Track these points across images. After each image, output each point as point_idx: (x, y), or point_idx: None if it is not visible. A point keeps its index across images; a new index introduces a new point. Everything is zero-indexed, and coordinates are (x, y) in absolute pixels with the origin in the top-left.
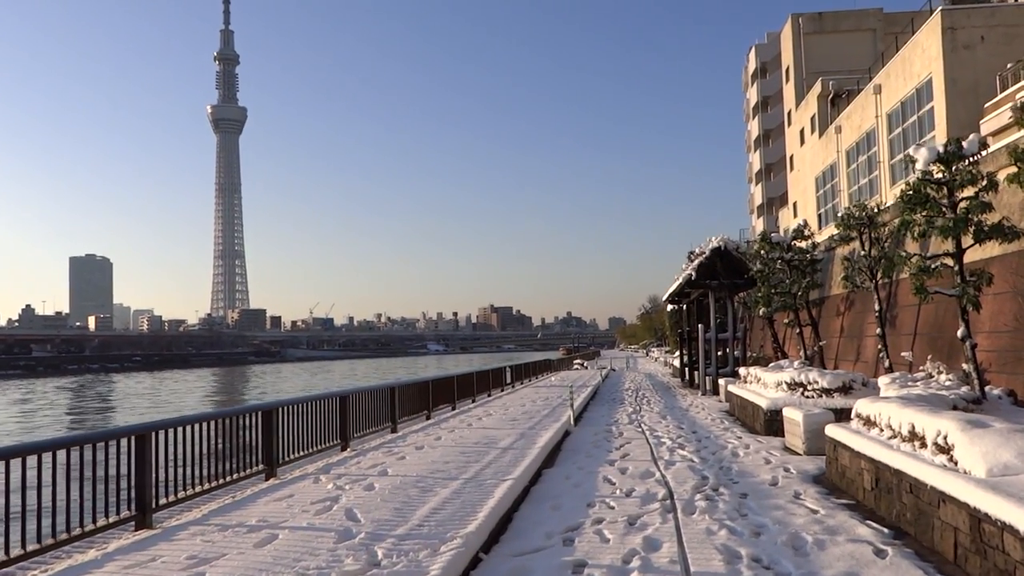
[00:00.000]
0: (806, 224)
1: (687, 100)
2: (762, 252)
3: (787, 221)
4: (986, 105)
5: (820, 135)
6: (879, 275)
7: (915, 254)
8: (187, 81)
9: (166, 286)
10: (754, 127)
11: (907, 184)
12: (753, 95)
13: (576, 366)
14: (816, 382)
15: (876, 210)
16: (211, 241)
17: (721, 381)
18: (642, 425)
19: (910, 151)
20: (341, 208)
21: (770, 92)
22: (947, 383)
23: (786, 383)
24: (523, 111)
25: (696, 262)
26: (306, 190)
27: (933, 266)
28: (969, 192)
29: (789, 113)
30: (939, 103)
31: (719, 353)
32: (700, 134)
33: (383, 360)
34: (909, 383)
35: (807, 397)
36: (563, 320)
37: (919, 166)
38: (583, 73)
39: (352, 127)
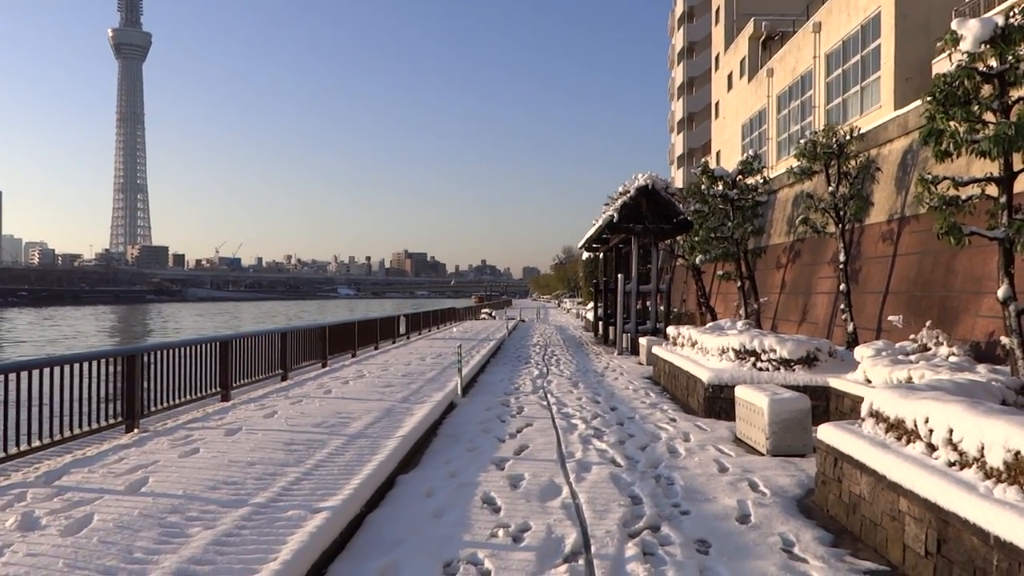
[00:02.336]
0: (756, 156)
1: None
2: (702, 188)
3: None
4: (938, 43)
5: (750, 79)
6: (847, 217)
7: (945, 177)
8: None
9: (62, 219)
10: (679, 74)
11: (939, 78)
12: (679, 40)
13: (484, 316)
14: (773, 350)
15: (848, 137)
16: (111, 173)
17: (642, 340)
18: (549, 396)
19: (953, 25)
20: (253, 146)
21: (697, 37)
22: (952, 359)
23: (734, 350)
24: (440, 51)
25: (619, 201)
26: (215, 126)
27: (966, 197)
28: None
29: (717, 57)
30: (887, 40)
31: (638, 307)
32: (621, 83)
33: (291, 303)
34: (900, 357)
35: (761, 370)
36: (477, 268)
37: (966, 46)
38: (505, 6)
39: (266, 64)
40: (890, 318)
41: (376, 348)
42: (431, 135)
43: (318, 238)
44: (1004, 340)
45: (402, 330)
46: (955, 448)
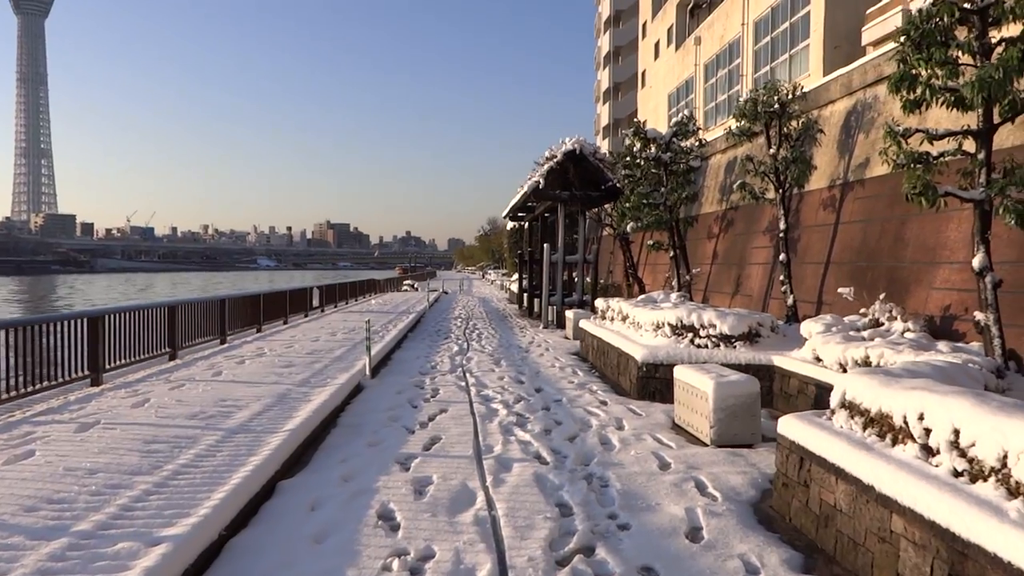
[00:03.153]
0: (691, 118)
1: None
2: (634, 150)
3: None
4: (868, 11)
5: (677, 48)
6: (788, 182)
7: (917, 130)
8: None
9: None
10: (605, 42)
11: (916, 13)
12: (606, 8)
13: (405, 288)
14: (713, 325)
15: (791, 95)
16: (11, 137)
17: (569, 314)
18: (468, 376)
19: None
20: (167, 111)
21: (624, 5)
22: (908, 335)
23: (670, 325)
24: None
25: (546, 167)
26: (126, 89)
27: (937, 154)
28: (1014, 29)
29: (644, 25)
30: (816, 7)
31: (564, 278)
32: (549, 53)
33: (208, 274)
34: (851, 333)
35: (699, 347)
36: (402, 239)
37: None
38: None
39: (182, 22)
40: (840, 290)
41: (285, 322)
42: (353, 107)
43: (237, 208)
44: (978, 316)
45: (316, 303)
46: (963, 454)
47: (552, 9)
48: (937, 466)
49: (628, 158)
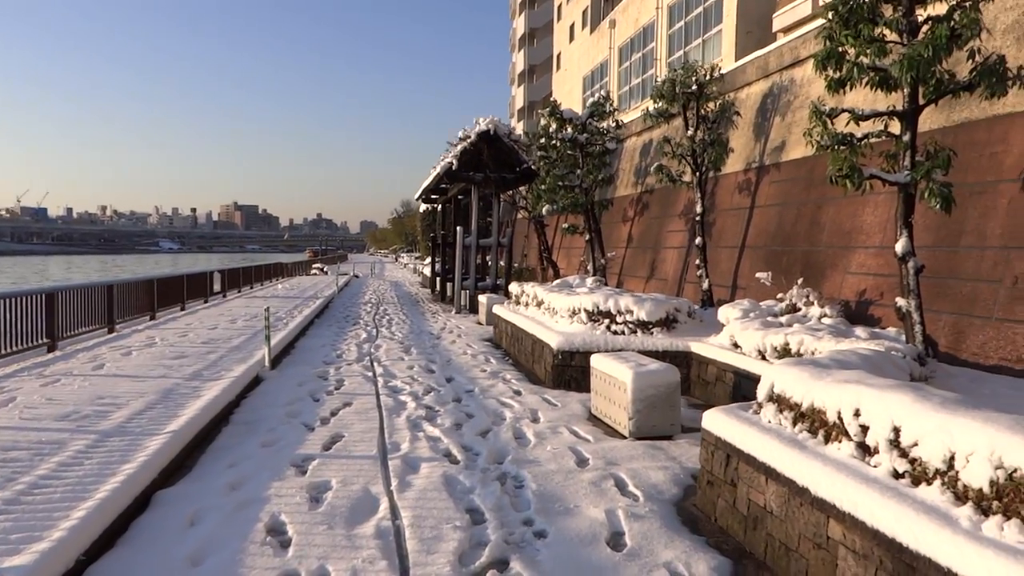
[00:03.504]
0: (608, 98)
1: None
2: (550, 131)
3: None
4: None
5: (592, 30)
6: (705, 165)
7: (844, 110)
8: None
9: None
10: (520, 24)
11: None
12: None
13: (315, 271)
14: (630, 311)
15: (708, 77)
16: None
17: (482, 298)
18: (376, 365)
19: None
20: (60, 84)
21: None
22: (826, 321)
23: (586, 311)
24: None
25: (459, 147)
26: (17, 57)
27: (861, 136)
28: (939, 8)
29: (559, 7)
30: None
31: (477, 262)
32: (463, 33)
33: (107, 257)
34: (769, 318)
35: (616, 333)
36: (313, 222)
37: None
38: None
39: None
40: (758, 275)
41: (182, 309)
42: (263, 86)
43: (137, 189)
44: (900, 302)
45: (217, 287)
46: (904, 454)
47: None
48: (876, 467)
49: (544, 139)
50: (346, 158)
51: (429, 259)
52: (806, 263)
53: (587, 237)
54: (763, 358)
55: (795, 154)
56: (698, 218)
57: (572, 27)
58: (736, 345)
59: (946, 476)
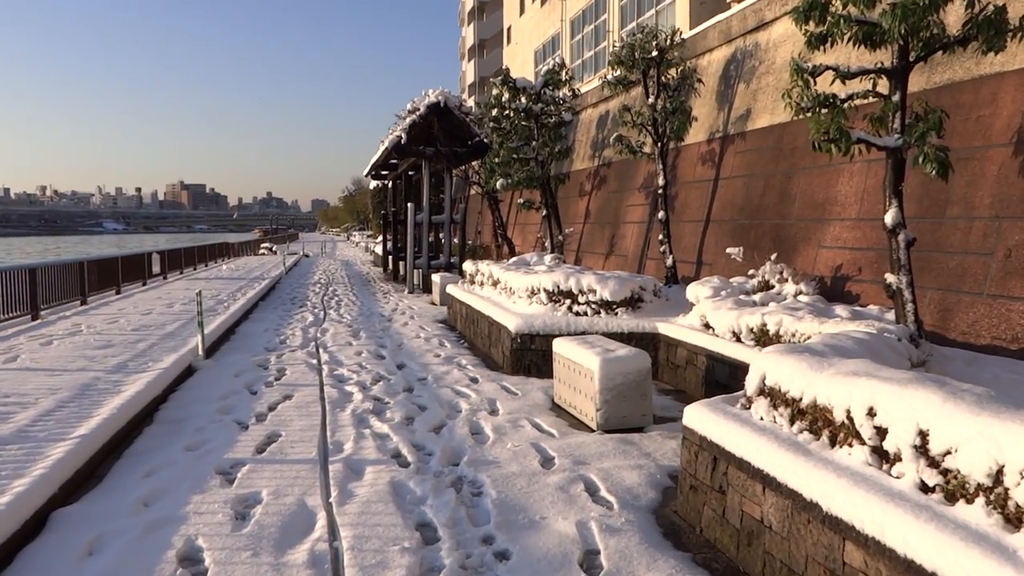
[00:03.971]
0: (563, 65)
1: None
2: (502, 101)
3: None
4: None
5: (543, 3)
6: (667, 134)
7: (827, 67)
8: None
9: None
10: None
11: None
12: None
13: (263, 251)
14: (593, 290)
15: (669, 42)
16: None
17: (435, 278)
18: (322, 352)
19: None
20: None
21: None
22: (802, 298)
23: (545, 291)
24: None
25: (408, 121)
26: None
27: (846, 97)
28: None
29: None
30: None
31: (430, 240)
32: (411, 8)
33: (48, 239)
34: (742, 297)
35: (578, 314)
36: (263, 200)
37: None
38: None
39: None
40: (729, 250)
41: (118, 292)
42: (207, 64)
43: (79, 168)
44: (889, 278)
45: (157, 269)
46: (933, 464)
47: None
48: (898, 477)
49: (496, 109)
50: (296, 136)
51: (381, 238)
52: (776, 237)
53: (543, 213)
54: (738, 340)
55: (761, 122)
56: (660, 191)
57: (522, 0)
58: (708, 326)
59: (992, 493)
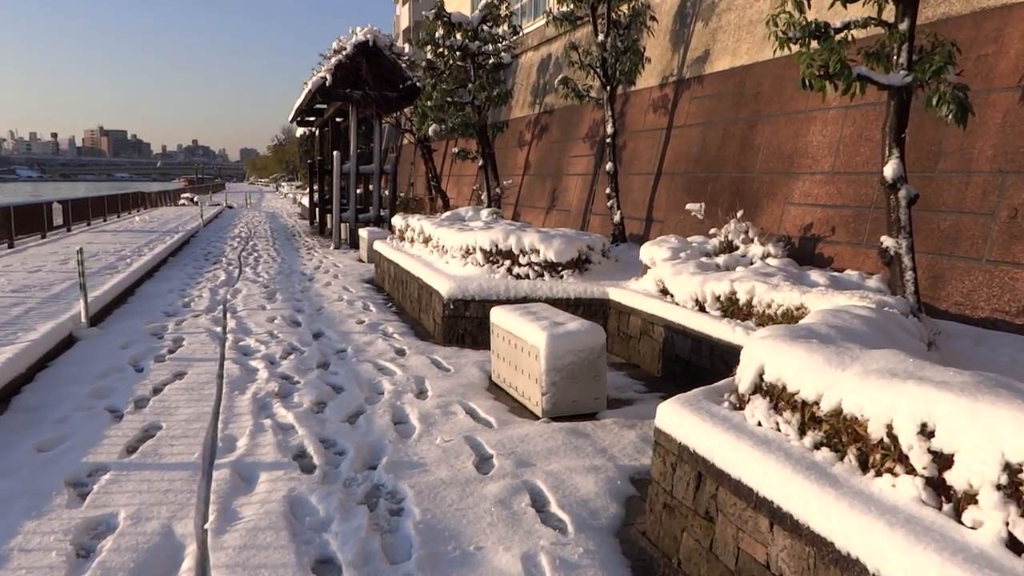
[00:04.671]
0: None
1: None
2: (436, 38)
3: None
4: None
5: None
6: (618, 77)
7: None
8: None
9: None
10: None
11: None
12: None
13: (183, 202)
14: (536, 250)
15: None
16: None
17: (363, 232)
18: (229, 318)
19: None
20: None
21: None
22: (771, 261)
23: (482, 251)
24: None
25: (333, 61)
26: None
27: (843, 25)
28: None
29: None
30: None
31: (359, 191)
32: None
33: None
34: (704, 259)
35: (518, 277)
36: (188, 149)
37: None
38: None
39: None
40: (689, 206)
41: (10, 247)
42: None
43: None
44: (886, 241)
45: (59, 220)
46: None
47: None
48: (974, 528)
49: (429, 46)
50: (224, 81)
51: (309, 189)
52: (736, 192)
53: (480, 163)
54: (702, 310)
55: (721, 65)
56: (608, 140)
57: None
58: (666, 292)
59: None
